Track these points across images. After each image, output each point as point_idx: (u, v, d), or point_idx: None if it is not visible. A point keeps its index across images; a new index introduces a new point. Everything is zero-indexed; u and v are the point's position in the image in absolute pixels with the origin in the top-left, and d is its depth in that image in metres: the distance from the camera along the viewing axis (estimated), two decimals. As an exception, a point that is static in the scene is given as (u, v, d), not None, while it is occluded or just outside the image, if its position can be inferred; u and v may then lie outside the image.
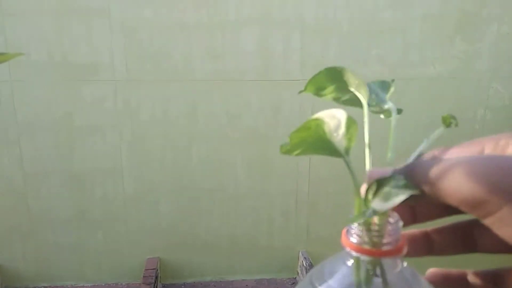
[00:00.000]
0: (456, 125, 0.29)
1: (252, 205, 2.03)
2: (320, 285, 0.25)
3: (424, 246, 0.29)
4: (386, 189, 0.23)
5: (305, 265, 1.98)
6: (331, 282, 0.24)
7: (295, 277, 2.10)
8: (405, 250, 0.24)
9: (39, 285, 1.98)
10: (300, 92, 0.31)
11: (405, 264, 0.25)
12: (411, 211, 0.29)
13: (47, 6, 1.73)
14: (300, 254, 2.06)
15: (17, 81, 1.79)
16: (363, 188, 0.25)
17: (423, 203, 0.28)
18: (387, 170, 0.25)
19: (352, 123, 0.24)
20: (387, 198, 0.22)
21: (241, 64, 1.87)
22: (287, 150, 0.25)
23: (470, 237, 0.29)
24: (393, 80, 0.34)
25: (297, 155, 0.26)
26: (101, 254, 2.01)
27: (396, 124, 0.28)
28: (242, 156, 1.97)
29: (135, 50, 1.81)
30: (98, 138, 1.89)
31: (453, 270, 0.29)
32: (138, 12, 1.77)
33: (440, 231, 0.30)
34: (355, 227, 0.25)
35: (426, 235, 0.29)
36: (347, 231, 0.25)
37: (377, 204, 0.22)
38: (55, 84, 1.82)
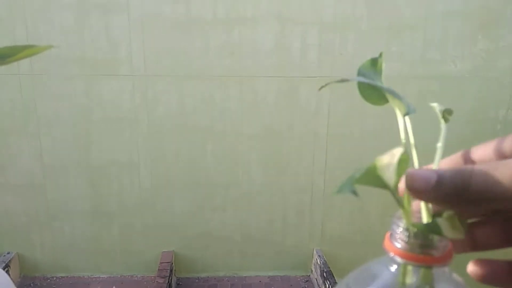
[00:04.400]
0: (449, 115, 0.28)
1: (266, 201, 2.02)
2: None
3: (468, 242, 0.28)
4: (455, 219, 0.23)
5: (319, 263, 1.97)
6: (372, 287, 0.24)
7: (309, 275, 2.09)
8: (452, 258, 0.23)
9: (56, 275, 2.01)
10: (320, 88, 0.30)
11: (453, 273, 0.24)
12: (471, 238, 0.28)
13: (67, 1, 1.74)
14: (315, 252, 2.06)
15: (37, 75, 1.81)
16: (415, 205, 0.24)
17: (483, 231, 0.27)
18: (430, 175, 0.24)
19: (405, 158, 0.23)
20: (455, 227, 0.22)
21: (258, 60, 1.86)
22: (340, 189, 0.24)
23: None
24: (381, 54, 0.33)
25: (355, 191, 0.25)
26: (116, 247, 2.03)
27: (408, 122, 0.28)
28: (257, 152, 1.97)
29: (153, 45, 1.82)
30: (116, 132, 1.90)
31: (498, 260, 0.28)
32: (157, 8, 1.78)
33: (483, 224, 0.28)
34: (400, 232, 0.24)
35: (468, 231, 0.28)
36: (391, 235, 0.25)
37: (450, 232, 0.22)
38: (75, 78, 1.83)
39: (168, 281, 1.83)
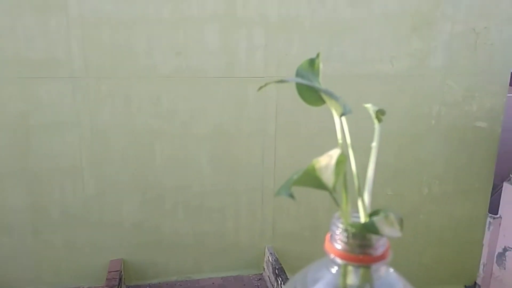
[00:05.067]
0: (382, 115, 0.30)
1: (218, 202, 2.02)
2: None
3: None
4: (390, 217, 0.24)
5: (270, 260, 2.00)
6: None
7: (261, 273, 2.12)
8: (390, 256, 0.25)
9: (-6, 293, 1.88)
10: (259, 89, 0.31)
11: (391, 269, 0.25)
12: None
13: (-3, -2, 1.63)
14: (266, 249, 2.08)
15: (-35, 78, 1.68)
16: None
17: None
18: None
19: (342, 160, 0.24)
20: (392, 225, 0.24)
21: (204, 60, 1.85)
22: (278, 193, 0.25)
23: None
24: (318, 54, 0.34)
25: (291, 194, 0.26)
26: (60, 257, 1.93)
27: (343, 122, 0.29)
28: (207, 153, 1.96)
29: (94, 46, 1.74)
30: (56, 137, 1.81)
31: None
32: (97, 6, 1.71)
33: None
34: (339, 233, 0.25)
35: None
36: (331, 236, 0.26)
37: (386, 230, 0.23)
38: (9, 81, 1.72)
39: (118, 290, 1.77)
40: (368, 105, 0.35)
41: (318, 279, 0.25)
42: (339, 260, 0.24)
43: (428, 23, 2.00)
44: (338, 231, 0.25)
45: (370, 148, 0.36)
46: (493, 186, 2.22)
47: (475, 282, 2.28)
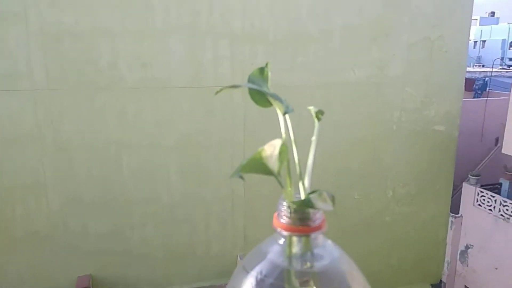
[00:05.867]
0: (321, 115, 0.33)
1: (188, 213, 2.01)
2: (253, 268, 0.27)
3: None
4: (324, 195, 0.27)
5: (243, 268, 2.00)
6: (265, 260, 0.27)
7: (234, 282, 2.11)
8: (326, 227, 0.27)
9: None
10: (216, 93, 0.34)
11: (328, 241, 0.28)
12: None
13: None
14: (238, 258, 2.08)
15: None
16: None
17: None
18: None
19: (284, 149, 0.28)
20: (325, 201, 0.27)
21: (170, 71, 1.85)
22: (231, 175, 0.28)
23: None
24: (267, 64, 0.38)
25: (241, 176, 0.29)
26: (24, 276, 1.86)
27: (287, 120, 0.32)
28: (175, 163, 1.96)
29: (55, 58, 1.72)
30: (17, 152, 1.76)
31: None
32: (58, 19, 1.69)
33: None
34: (284, 210, 0.28)
35: None
36: (278, 214, 0.28)
37: (320, 204, 0.26)
38: (-35, 94, 1.67)
39: (86, 307, 1.72)
40: (311, 107, 0.38)
41: (269, 251, 0.27)
42: (284, 232, 0.27)
43: (386, 34, 2.09)
44: (283, 209, 0.28)
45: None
46: (453, 187, 2.33)
47: (441, 280, 2.36)
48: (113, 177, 1.89)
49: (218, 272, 2.10)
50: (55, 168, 1.81)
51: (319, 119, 0.35)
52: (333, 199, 0.27)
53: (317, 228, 0.27)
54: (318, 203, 0.27)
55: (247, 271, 0.28)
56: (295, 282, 0.27)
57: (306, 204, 0.27)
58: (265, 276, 0.27)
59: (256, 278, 0.27)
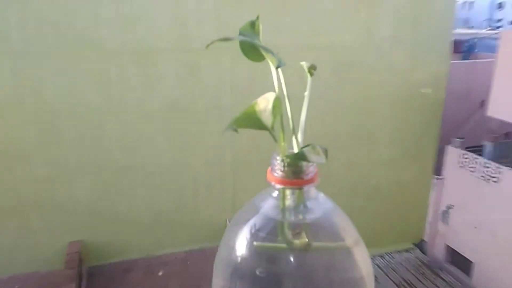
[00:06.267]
0: (314, 70, 0.33)
1: (175, 179, 2.01)
2: (248, 218, 0.27)
3: None
4: (317, 148, 0.27)
5: (232, 231, 2.03)
6: (259, 213, 0.27)
7: (223, 245, 2.15)
8: (318, 180, 0.28)
9: None
10: (207, 46, 0.33)
11: (321, 194, 0.28)
12: None
13: None
14: (227, 222, 2.12)
15: None
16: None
17: None
18: None
19: (277, 103, 0.27)
20: (318, 154, 0.26)
21: (154, 33, 1.80)
22: (225, 129, 0.27)
23: None
24: (257, 17, 0.38)
25: (235, 128, 0.28)
26: (15, 244, 1.87)
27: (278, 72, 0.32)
28: (162, 129, 1.94)
29: (33, 19, 1.65)
30: (-1, 119, 1.71)
31: None
32: (34, -23, 1.61)
33: None
34: (278, 164, 0.27)
35: None
36: (271, 169, 0.28)
37: (313, 157, 0.26)
38: None
39: (79, 271, 1.74)
40: (303, 63, 0.38)
41: (263, 204, 0.28)
42: (278, 186, 0.27)
43: (374, -7, 2.05)
44: (276, 162, 0.27)
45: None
46: (438, 149, 2.37)
47: (422, 240, 2.45)
48: (98, 144, 1.86)
49: (207, 236, 2.14)
50: (38, 135, 1.78)
51: (311, 74, 0.35)
52: (326, 152, 0.27)
53: (310, 181, 0.27)
54: (312, 156, 0.27)
55: (240, 225, 0.28)
56: (288, 233, 0.28)
57: (300, 157, 0.27)
58: (259, 229, 0.28)
59: (250, 231, 0.28)
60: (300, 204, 0.28)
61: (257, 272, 0.27)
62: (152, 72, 1.84)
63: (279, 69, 0.32)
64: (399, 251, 2.39)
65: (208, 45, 0.37)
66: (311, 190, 0.28)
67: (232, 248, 0.28)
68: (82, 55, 1.74)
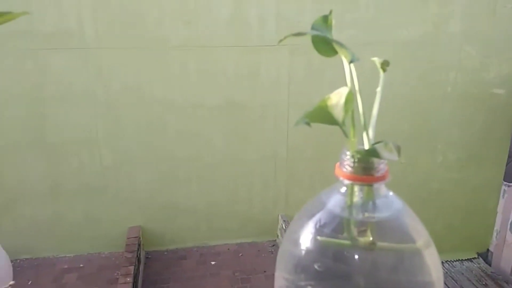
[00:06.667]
0: (387, 66, 0.32)
1: (230, 172, 2.05)
2: (314, 212, 0.27)
3: None
4: (390, 145, 0.26)
5: (284, 227, 2.03)
6: (325, 208, 0.26)
7: (275, 239, 2.16)
8: (389, 178, 0.26)
9: (20, 258, 1.96)
10: (279, 42, 0.33)
11: (390, 192, 0.27)
12: None
13: (8, -31, 1.63)
14: (280, 217, 2.12)
15: (-19, 50, 1.71)
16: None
17: None
18: None
19: (350, 98, 0.27)
20: (391, 151, 0.26)
21: (215, 30, 1.83)
22: (297, 122, 0.28)
23: None
24: (330, 12, 0.37)
25: (308, 122, 0.28)
26: (80, 225, 2.00)
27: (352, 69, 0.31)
28: (219, 124, 1.98)
29: (104, 16, 1.75)
30: (71, 108, 1.84)
31: None
32: (107, -25, 1.70)
33: None
34: (347, 159, 0.27)
35: None
36: (340, 164, 0.27)
37: (386, 154, 0.26)
38: (22, 54, 1.74)
39: (137, 255, 1.83)
40: (375, 58, 0.37)
41: (330, 199, 0.27)
42: (346, 181, 0.26)
43: (445, -14, 1.94)
44: (346, 158, 0.27)
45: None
46: (508, 154, 2.20)
47: (488, 249, 2.29)
48: (159, 135, 1.94)
49: (260, 230, 2.16)
50: (105, 125, 1.89)
51: (384, 70, 0.34)
52: (399, 150, 0.26)
53: (381, 178, 0.26)
54: (384, 152, 0.26)
55: (305, 220, 0.28)
56: (354, 231, 0.27)
57: (372, 153, 0.26)
58: (324, 224, 0.27)
59: (315, 226, 0.27)
60: (369, 201, 0.27)
61: (317, 267, 0.27)
62: (211, 67, 1.88)
63: (352, 64, 0.31)
64: (461, 260, 2.26)
65: (280, 41, 0.37)
66: (381, 188, 0.27)
67: (296, 242, 0.28)
68: (147, 51, 1.81)
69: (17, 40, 1.72)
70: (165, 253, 2.05)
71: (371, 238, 0.27)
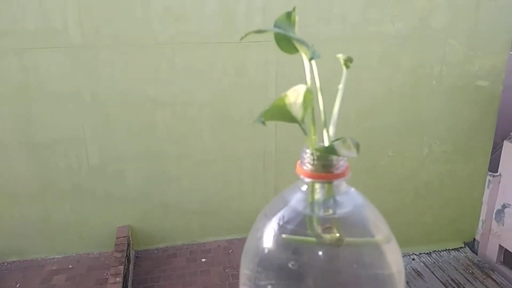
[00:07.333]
0: (350, 62, 0.32)
1: (220, 169, 2.05)
2: (275, 211, 0.27)
3: None
4: (348, 141, 0.26)
5: (274, 223, 2.04)
6: (287, 207, 0.27)
7: (265, 235, 2.17)
8: (349, 174, 0.27)
9: (8, 260, 1.95)
10: (241, 39, 0.33)
11: (352, 188, 0.28)
12: None
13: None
14: (269, 213, 2.13)
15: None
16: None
17: None
18: None
19: (308, 96, 0.27)
20: (349, 148, 0.26)
21: (203, 26, 1.83)
22: (254, 121, 0.28)
23: None
24: (294, 8, 0.37)
25: (266, 120, 0.29)
26: (69, 226, 1.99)
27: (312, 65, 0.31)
28: (208, 120, 1.97)
29: (90, 14, 1.73)
30: (58, 107, 1.83)
31: None
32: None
33: None
34: (308, 157, 0.27)
35: None
36: (301, 162, 0.28)
37: (344, 151, 0.26)
38: (6, 53, 1.72)
39: (127, 255, 1.83)
40: (339, 55, 0.37)
41: (291, 198, 0.28)
42: (307, 179, 0.27)
43: (429, -20, 1.95)
44: (306, 156, 0.27)
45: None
46: (493, 144, 2.23)
47: (474, 239, 2.33)
48: (148, 133, 1.94)
49: (250, 226, 2.15)
50: (93, 123, 1.88)
51: (347, 67, 0.34)
52: (357, 147, 0.26)
53: (340, 175, 0.26)
54: (342, 150, 0.26)
55: (268, 217, 0.28)
56: (318, 228, 0.27)
57: (329, 151, 0.27)
58: (287, 222, 0.28)
59: (278, 223, 0.28)
60: (330, 198, 0.27)
61: (286, 264, 0.27)
62: (199, 64, 1.88)
63: (313, 61, 0.31)
64: (448, 250, 2.29)
65: (242, 38, 0.37)
66: (341, 185, 0.27)
67: (259, 240, 0.29)
68: (134, 48, 1.80)
69: (1, 39, 1.70)
70: (155, 251, 2.05)
71: (338, 235, 0.27)
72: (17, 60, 1.74)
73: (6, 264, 1.93)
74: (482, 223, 2.26)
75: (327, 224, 0.28)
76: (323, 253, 0.27)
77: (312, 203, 0.28)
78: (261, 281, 0.28)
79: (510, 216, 2.09)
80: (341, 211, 0.28)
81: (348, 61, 0.32)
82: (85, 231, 2.01)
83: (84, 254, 2.01)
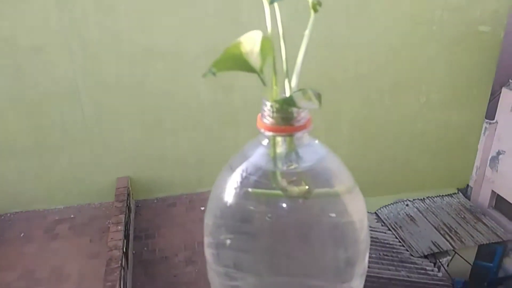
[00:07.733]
0: (319, 6, 0.29)
1: (216, 120, 2.04)
2: (238, 166, 0.27)
3: None
4: (308, 93, 0.25)
5: (270, 172, 2.07)
6: (248, 161, 0.27)
7: (262, 184, 2.21)
8: (311, 126, 0.26)
9: (10, 211, 1.99)
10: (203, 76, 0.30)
11: (316, 140, 0.27)
12: None
13: None
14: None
15: None
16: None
17: None
18: None
19: (266, 43, 0.25)
20: (310, 99, 0.25)
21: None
22: (204, 74, 0.26)
23: None
24: None
25: (219, 71, 0.27)
26: (69, 178, 2.02)
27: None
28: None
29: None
30: (47, 60, 1.79)
31: None
32: None
33: None
34: (267, 110, 0.26)
35: None
36: (261, 115, 0.27)
37: (303, 103, 0.25)
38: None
39: (127, 204, 1.87)
40: None
41: (253, 152, 0.27)
42: (268, 133, 0.26)
43: None
44: (266, 108, 0.26)
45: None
46: (491, 91, 2.21)
47: (468, 185, 2.37)
48: (142, 85, 1.91)
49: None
50: (85, 75, 1.85)
51: (315, 10, 0.32)
52: (319, 97, 0.25)
53: (302, 128, 0.25)
54: (302, 101, 0.25)
55: (231, 173, 0.28)
56: (282, 181, 0.27)
57: (288, 102, 0.26)
58: (249, 175, 0.27)
59: (241, 176, 0.28)
60: (291, 152, 0.27)
61: (246, 218, 0.27)
62: (190, 12, 1.81)
63: (275, 5, 0.29)
64: (441, 196, 2.34)
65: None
66: (303, 137, 0.26)
67: (221, 193, 0.29)
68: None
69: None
70: (155, 201, 2.10)
71: (307, 187, 0.27)
72: (3, 11, 1.67)
73: (9, 215, 1.98)
74: (477, 169, 2.29)
75: (292, 177, 0.27)
76: (287, 205, 0.27)
77: (274, 158, 0.27)
78: (221, 234, 0.28)
79: (504, 163, 2.12)
80: (304, 165, 0.27)
81: (317, 4, 0.30)
82: (85, 182, 2.04)
83: (85, 204, 2.06)
